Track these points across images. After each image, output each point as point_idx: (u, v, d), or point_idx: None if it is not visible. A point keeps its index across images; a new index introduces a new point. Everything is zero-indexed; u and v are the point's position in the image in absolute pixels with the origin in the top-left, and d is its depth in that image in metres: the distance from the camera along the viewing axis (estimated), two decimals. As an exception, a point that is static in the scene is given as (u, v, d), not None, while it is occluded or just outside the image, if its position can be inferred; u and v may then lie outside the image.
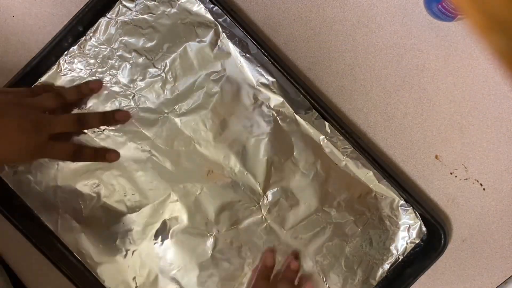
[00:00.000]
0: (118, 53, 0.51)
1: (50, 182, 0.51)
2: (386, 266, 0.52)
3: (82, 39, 0.51)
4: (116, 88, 0.51)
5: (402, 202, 0.51)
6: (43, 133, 0.45)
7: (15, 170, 0.51)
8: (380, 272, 0.52)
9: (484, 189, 0.53)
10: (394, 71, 0.52)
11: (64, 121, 0.48)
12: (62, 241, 0.51)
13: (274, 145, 0.51)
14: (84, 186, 0.51)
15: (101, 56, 0.51)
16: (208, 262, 0.51)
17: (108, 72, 0.51)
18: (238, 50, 0.50)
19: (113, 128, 0.51)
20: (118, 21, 0.51)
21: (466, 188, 0.53)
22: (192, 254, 0.51)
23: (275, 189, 0.51)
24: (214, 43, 0.51)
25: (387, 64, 0.52)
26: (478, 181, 0.53)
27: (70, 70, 0.51)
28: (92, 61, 0.51)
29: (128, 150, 0.51)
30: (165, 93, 0.51)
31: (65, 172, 0.51)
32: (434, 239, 0.50)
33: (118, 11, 0.50)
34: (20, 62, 0.50)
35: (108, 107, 0.51)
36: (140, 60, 0.51)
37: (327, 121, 0.51)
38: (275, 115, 0.51)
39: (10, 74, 0.50)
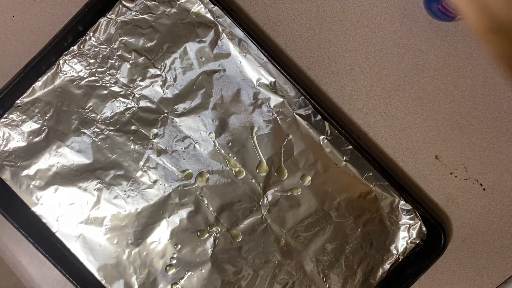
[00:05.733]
0: (118, 53, 0.51)
1: (50, 182, 0.51)
2: (386, 266, 0.52)
3: (82, 39, 0.50)
4: (116, 88, 0.51)
5: (402, 202, 0.51)
6: None
7: (15, 170, 0.51)
8: (380, 272, 0.52)
9: (484, 189, 0.53)
10: (394, 71, 0.52)
11: None
12: (62, 241, 0.51)
13: (274, 145, 0.51)
14: (84, 186, 0.51)
15: (101, 56, 0.51)
16: (208, 262, 0.52)
17: (108, 72, 0.51)
18: (238, 50, 0.50)
19: (113, 127, 0.51)
20: (118, 21, 0.50)
21: (466, 188, 0.53)
22: (192, 254, 0.52)
23: (275, 189, 0.51)
24: (214, 43, 0.51)
25: (387, 64, 0.52)
26: (478, 181, 0.53)
27: (70, 70, 0.51)
28: (92, 61, 0.51)
29: (128, 150, 0.51)
30: (165, 93, 0.51)
31: (65, 172, 0.51)
32: (434, 239, 0.50)
33: (118, 11, 0.50)
34: (20, 62, 0.50)
35: (108, 107, 0.51)
36: (140, 60, 0.51)
37: (327, 121, 0.51)
38: (275, 115, 0.51)
39: (10, 74, 0.50)
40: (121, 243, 0.51)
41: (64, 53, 0.51)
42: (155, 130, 0.51)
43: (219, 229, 0.52)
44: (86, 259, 0.51)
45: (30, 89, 0.50)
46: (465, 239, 0.53)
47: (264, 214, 0.52)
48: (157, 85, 0.51)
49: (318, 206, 0.51)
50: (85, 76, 0.51)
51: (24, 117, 0.51)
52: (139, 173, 0.51)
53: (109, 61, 0.51)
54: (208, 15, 0.50)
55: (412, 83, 0.52)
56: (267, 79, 0.50)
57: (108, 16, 0.50)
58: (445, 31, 0.52)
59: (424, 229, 0.51)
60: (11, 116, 0.51)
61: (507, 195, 0.53)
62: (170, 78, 0.51)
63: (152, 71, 0.51)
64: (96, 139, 0.51)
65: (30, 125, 0.51)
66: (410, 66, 0.52)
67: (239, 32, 0.50)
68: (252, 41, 0.49)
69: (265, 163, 0.51)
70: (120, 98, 0.51)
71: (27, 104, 0.51)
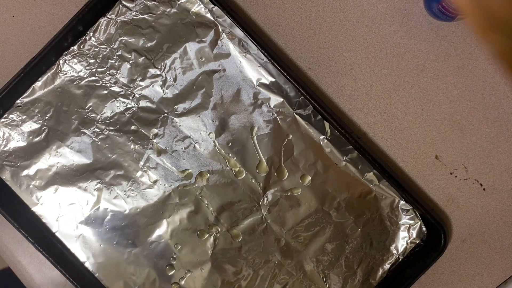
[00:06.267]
0: (118, 53, 0.51)
1: (50, 182, 0.51)
2: (386, 266, 0.52)
3: (82, 39, 0.50)
4: (116, 88, 0.51)
5: (402, 202, 0.51)
6: None
7: (15, 170, 0.51)
8: (380, 272, 0.52)
9: (484, 189, 0.53)
10: (394, 71, 0.52)
11: None
12: (62, 241, 0.51)
13: (274, 145, 0.51)
14: (84, 186, 0.51)
15: (101, 56, 0.51)
16: (208, 262, 0.52)
17: (107, 72, 0.51)
18: (238, 50, 0.50)
19: (113, 127, 0.51)
20: (118, 21, 0.50)
21: (466, 188, 0.53)
22: (192, 254, 0.51)
23: (275, 189, 0.51)
24: (214, 43, 0.51)
25: (387, 64, 0.52)
26: (478, 181, 0.53)
27: (70, 70, 0.51)
28: (92, 61, 0.51)
29: (128, 150, 0.51)
30: (165, 93, 0.51)
31: (65, 172, 0.51)
32: (434, 239, 0.50)
33: (118, 11, 0.50)
34: (20, 62, 0.50)
35: (108, 107, 0.51)
36: (140, 60, 0.51)
37: (327, 121, 0.51)
38: (275, 115, 0.51)
39: (10, 74, 0.50)
40: (121, 243, 0.51)
41: (64, 53, 0.51)
42: (155, 130, 0.51)
43: (219, 229, 0.52)
44: (86, 259, 0.51)
45: (30, 89, 0.50)
46: (465, 239, 0.53)
47: (264, 214, 0.52)
48: (157, 85, 0.51)
49: (318, 206, 0.51)
50: (85, 76, 0.51)
51: (24, 117, 0.51)
52: (139, 173, 0.51)
53: (109, 61, 0.51)
54: (208, 15, 0.50)
55: (412, 83, 0.52)
56: (267, 79, 0.50)
57: (108, 16, 0.50)
58: (445, 31, 0.52)
59: (424, 229, 0.51)
60: (11, 116, 0.51)
61: (507, 195, 0.53)
62: (170, 78, 0.51)
63: (152, 71, 0.51)
64: (96, 139, 0.51)
65: (30, 125, 0.51)
66: (410, 66, 0.52)
67: (239, 32, 0.50)
68: (252, 41, 0.49)
69: (265, 163, 0.51)
70: (120, 98, 0.51)
71: (27, 104, 0.51)
